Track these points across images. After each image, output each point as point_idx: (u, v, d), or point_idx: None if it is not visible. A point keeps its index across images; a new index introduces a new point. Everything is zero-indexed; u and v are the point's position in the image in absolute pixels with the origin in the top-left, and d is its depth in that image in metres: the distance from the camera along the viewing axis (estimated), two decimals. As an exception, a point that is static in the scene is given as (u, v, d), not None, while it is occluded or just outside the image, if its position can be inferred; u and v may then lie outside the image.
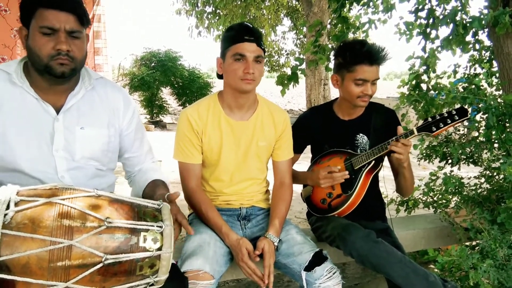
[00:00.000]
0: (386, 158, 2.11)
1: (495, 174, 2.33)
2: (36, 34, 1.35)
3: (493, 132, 2.06)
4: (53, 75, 1.38)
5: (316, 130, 2.12)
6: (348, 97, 1.99)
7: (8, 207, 1.07)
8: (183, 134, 1.84)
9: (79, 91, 1.50)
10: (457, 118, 1.76)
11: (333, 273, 1.67)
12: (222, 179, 1.90)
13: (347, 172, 1.92)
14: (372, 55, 1.89)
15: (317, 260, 1.69)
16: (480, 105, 2.12)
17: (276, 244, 1.74)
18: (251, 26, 1.74)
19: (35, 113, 1.43)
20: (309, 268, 1.67)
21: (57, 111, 1.46)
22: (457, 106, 2.55)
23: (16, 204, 1.09)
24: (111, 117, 1.58)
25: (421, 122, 2.15)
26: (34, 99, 1.43)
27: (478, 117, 2.29)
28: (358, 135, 2.06)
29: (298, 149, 2.12)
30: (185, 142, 1.83)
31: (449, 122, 1.77)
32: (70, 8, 1.35)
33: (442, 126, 1.78)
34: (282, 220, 1.85)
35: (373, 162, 1.96)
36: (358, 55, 1.89)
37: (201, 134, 1.83)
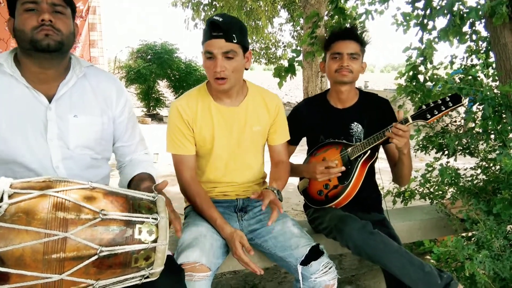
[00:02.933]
0: (382, 150, 2.11)
1: (491, 165, 2.33)
2: (20, 14, 1.37)
3: (489, 123, 2.06)
4: (39, 49, 1.36)
5: (311, 120, 2.12)
6: (329, 76, 2.04)
7: (1, 200, 1.06)
8: (174, 126, 1.83)
9: (70, 79, 1.49)
10: (451, 105, 1.77)
11: (329, 268, 1.67)
12: (217, 166, 1.89)
13: (343, 168, 1.93)
14: (344, 31, 2.02)
15: (314, 254, 1.69)
16: (476, 96, 2.12)
17: (277, 195, 1.76)
18: (220, 20, 1.65)
19: (27, 103, 1.42)
20: (306, 262, 1.67)
21: (49, 100, 1.45)
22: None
23: (10, 197, 1.08)
24: (104, 105, 1.57)
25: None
26: (25, 88, 1.42)
27: (474, 108, 2.29)
28: (352, 124, 2.06)
29: (294, 141, 2.12)
30: (177, 134, 1.83)
31: (443, 109, 1.78)
32: None
33: (437, 113, 1.79)
34: (282, 183, 1.89)
35: (369, 151, 1.97)
36: (334, 34, 2.03)
37: (192, 124, 1.82)
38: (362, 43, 2.01)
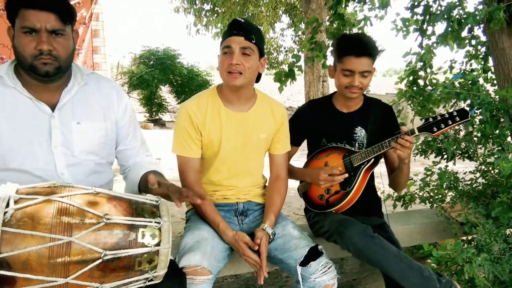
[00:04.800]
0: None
1: (490, 169, 2.34)
2: (19, 34, 1.38)
3: (487, 127, 2.08)
4: (38, 75, 1.40)
5: (314, 122, 2.12)
6: (338, 87, 2.03)
7: (7, 205, 1.09)
8: (182, 128, 1.85)
9: (72, 87, 1.52)
10: (458, 120, 1.78)
11: (328, 268, 1.69)
12: (220, 169, 1.91)
13: (347, 175, 1.94)
14: (359, 47, 1.91)
15: (313, 255, 1.70)
16: (478, 100, 2.14)
17: (271, 236, 1.78)
18: (242, 20, 1.76)
19: (30, 113, 1.45)
20: (305, 263, 1.68)
21: (52, 109, 1.48)
22: (453, 101, 2.57)
23: (16, 202, 1.11)
24: (106, 110, 1.60)
25: (417, 117, 2.17)
26: (28, 99, 1.45)
27: (473, 113, 2.31)
28: (356, 128, 2.07)
29: (295, 142, 2.12)
30: (185, 136, 1.84)
31: (450, 123, 1.79)
32: (50, 7, 1.36)
33: (443, 127, 1.80)
34: (277, 212, 1.88)
35: (372, 159, 1.97)
36: (346, 47, 1.93)
37: (201, 127, 1.84)
38: (375, 55, 1.95)
